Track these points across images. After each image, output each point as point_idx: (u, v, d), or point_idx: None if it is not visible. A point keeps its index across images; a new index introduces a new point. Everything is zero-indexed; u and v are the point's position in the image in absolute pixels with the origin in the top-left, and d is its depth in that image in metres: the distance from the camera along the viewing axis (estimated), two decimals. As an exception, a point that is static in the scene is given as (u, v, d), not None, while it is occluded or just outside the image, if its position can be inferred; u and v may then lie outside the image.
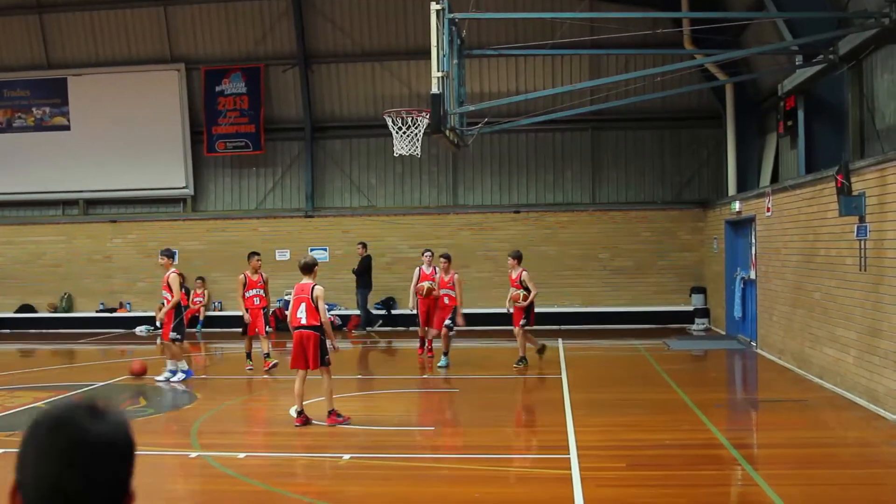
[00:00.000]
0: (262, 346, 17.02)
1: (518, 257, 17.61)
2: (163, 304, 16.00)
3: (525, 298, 17.13)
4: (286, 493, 8.68)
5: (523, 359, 17.16)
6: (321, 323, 11.81)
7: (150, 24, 27.15)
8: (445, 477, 9.37)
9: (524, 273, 17.36)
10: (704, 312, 24.44)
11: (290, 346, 12.68)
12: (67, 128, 28.03)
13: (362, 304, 24.40)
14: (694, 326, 24.08)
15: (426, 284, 17.47)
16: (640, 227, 25.71)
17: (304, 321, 11.81)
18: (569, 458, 9.57)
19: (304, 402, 11.78)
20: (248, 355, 17.37)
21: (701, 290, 24.77)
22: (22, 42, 27.94)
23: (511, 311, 17.59)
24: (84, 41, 27.64)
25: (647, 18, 22.03)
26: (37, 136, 28.13)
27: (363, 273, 24.24)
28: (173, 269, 16.07)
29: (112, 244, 27.84)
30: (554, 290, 25.73)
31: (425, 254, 18.52)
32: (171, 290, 15.77)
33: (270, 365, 16.67)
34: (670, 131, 26.10)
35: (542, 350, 17.75)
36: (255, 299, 17.34)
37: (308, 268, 12.21)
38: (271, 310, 18.09)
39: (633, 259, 25.63)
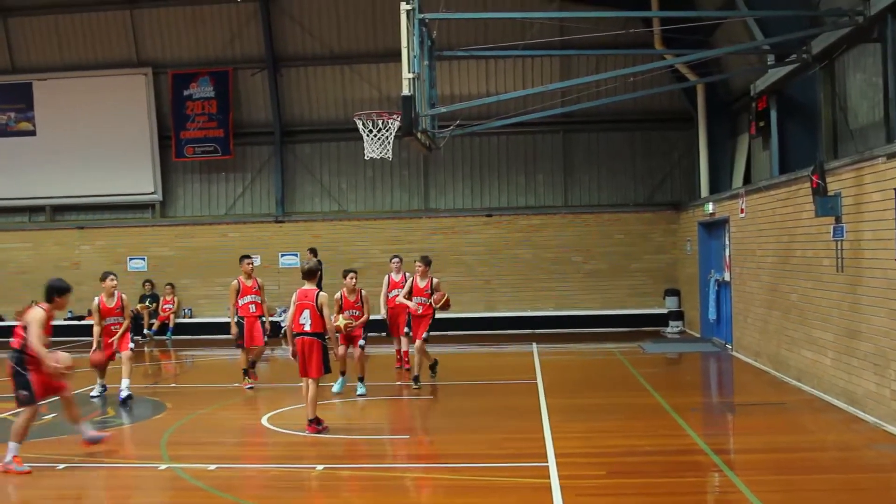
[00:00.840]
0: (242, 359, 15.83)
1: (428, 263, 16.04)
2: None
3: (437, 303, 15.38)
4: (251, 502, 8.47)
5: (417, 378, 15.35)
6: (325, 329, 11.75)
7: (116, 27, 26.81)
8: (418, 487, 9.19)
9: (434, 280, 15.97)
10: (679, 315, 24.37)
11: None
12: (33, 133, 27.65)
13: None
14: (668, 329, 24.00)
15: (341, 321, 14.05)
16: (614, 229, 25.62)
17: (307, 328, 11.72)
18: (547, 467, 9.40)
19: (276, 411, 11.58)
20: (246, 372, 15.81)
21: (675, 293, 24.68)
22: (-15, 46, 27.52)
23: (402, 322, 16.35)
24: (49, 45, 27.25)
25: (617, 18, 21.90)
26: (2, 141, 27.73)
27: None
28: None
29: (80, 251, 27.48)
30: (528, 294, 25.64)
31: (393, 260, 17.55)
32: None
33: (248, 386, 15.60)
34: (642, 133, 26.04)
35: (434, 366, 16.19)
36: (250, 307, 15.89)
37: (311, 273, 12.12)
38: (267, 319, 16.56)
39: (607, 262, 25.53)
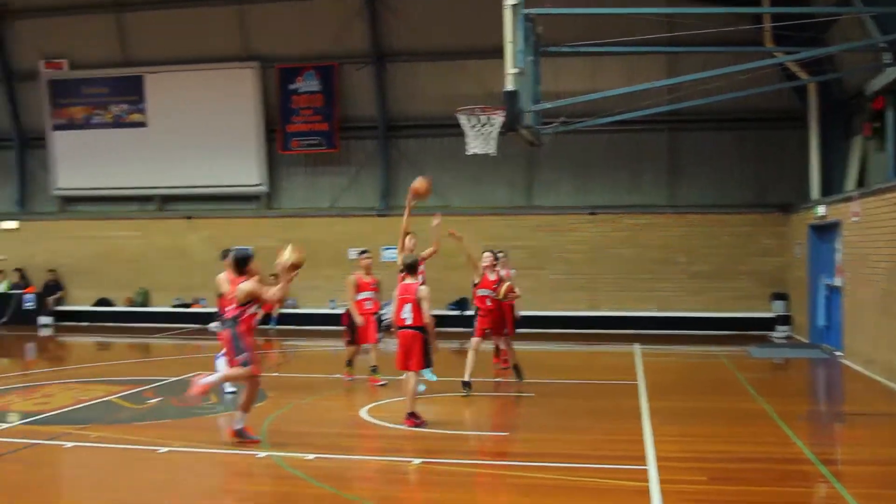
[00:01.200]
0: (370, 357, 15.48)
1: (497, 257, 15.53)
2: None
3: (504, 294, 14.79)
4: (353, 496, 8.47)
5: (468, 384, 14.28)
6: (425, 323, 11.77)
7: (225, 22, 27.27)
8: (515, 485, 9.07)
9: (503, 272, 15.62)
10: (786, 319, 23.82)
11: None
12: (144, 125, 28.31)
13: None
14: (775, 334, 23.48)
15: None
16: (720, 230, 25.15)
17: (409, 321, 11.74)
18: (646, 470, 9.21)
19: (375, 403, 11.60)
20: (350, 362, 15.63)
21: (782, 297, 24.13)
22: (100, 40, 28.27)
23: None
24: (160, 39, 27.84)
25: (726, 15, 21.46)
26: (115, 132, 28.47)
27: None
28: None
29: (187, 240, 28.05)
30: (630, 294, 25.33)
31: (485, 255, 16.22)
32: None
33: (380, 382, 15.04)
34: (750, 132, 25.49)
35: (466, 385, 14.34)
36: (366, 303, 15.52)
37: (412, 267, 12.12)
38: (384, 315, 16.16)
39: (712, 263, 25.07)
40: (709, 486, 8.83)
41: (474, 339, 14.77)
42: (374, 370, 15.27)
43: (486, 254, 15.35)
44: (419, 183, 14.07)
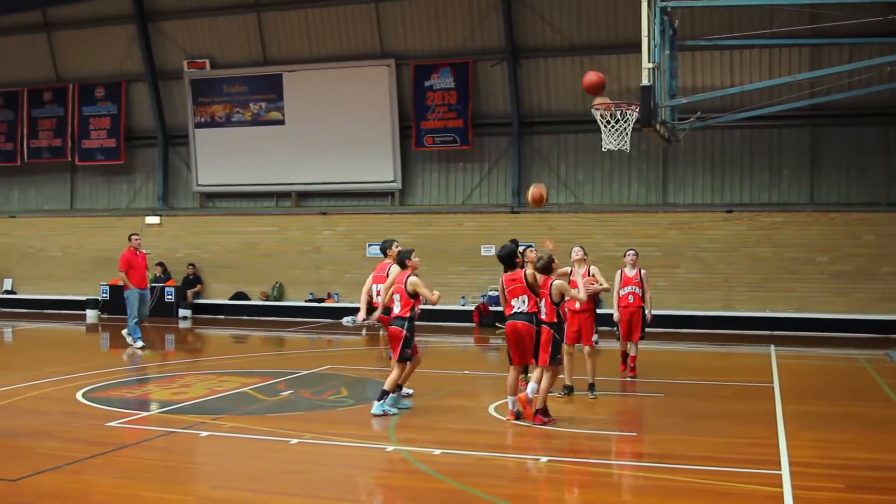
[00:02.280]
0: None
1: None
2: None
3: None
4: (479, 493, 8.44)
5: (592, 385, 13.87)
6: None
7: (362, 20, 27.64)
8: (643, 486, 8.92)
9: (592, 268, 14.21)
10: (932, 323, 22.88)
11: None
12: (282, 122, 28.89)
13: None
14: (920, 337, 22.61)
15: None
16: (863, 229, 24.32)
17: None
18: (780, 475, 8.95)
19: (504, 400, 11.58)
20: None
21: (928, 299, 23.20)
22: (241, 40, 28.99)
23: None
24: (299, 38, 28.39)
25: (874, 4, 20.68)
26: (253, 130, 29.14)
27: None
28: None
29: (322, 236, 28.53)
30: (767, 294, 24.72)
31: (628, 254, 16.17)
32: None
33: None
34: (897, 127, 24.56)
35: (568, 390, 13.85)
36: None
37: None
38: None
39: (854, 263, 24.27)
40: (845, 495, 8.52)
41: (565, 345, 13.02)
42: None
43: (576, 248, 14.36)
44: (533, 193, 13.45)
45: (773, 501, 8.09)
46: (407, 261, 12.26)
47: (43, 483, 8.44)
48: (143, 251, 20.29)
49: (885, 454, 10.16)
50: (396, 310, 12.16)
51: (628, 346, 15.80)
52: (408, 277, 12.12)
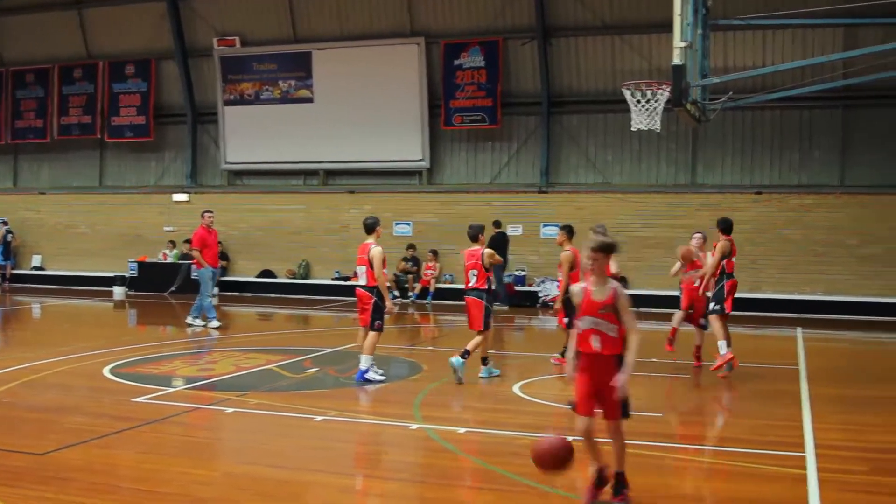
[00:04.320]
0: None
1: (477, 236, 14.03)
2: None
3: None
4: (503, 471, 8.44)
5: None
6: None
7: (392, -2, 27.54)
8: (667, 467, 8.88)
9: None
10: (961, 307, 22.66)
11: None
12: (311, 100, 28.90)
13: (498, 280, 23.38)
14: (949, 321, 22.39)
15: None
16: (893, 212, 24.09)
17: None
18: (804, 457, 8.90)
19: (529, 380, 11.53)
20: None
21: (958, 283, 22.96)
22: (271, 18, 29.00)
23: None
24: (329, 16, 28.36)
25: (910, -15, 20.44)
26: (282, 108, 29.17)
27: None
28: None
29: (349, 214, 28.54)
30: (795, 277, 24.55)
31: (695, 236, 15.41)
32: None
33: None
34: (931, 110, 24.26)
35: None
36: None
37: (474, 235, 13.73)
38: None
39: (885, 247, 24.04)
40: (870, 477, 8.46)
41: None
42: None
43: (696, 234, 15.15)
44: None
45: (799, 483, 8.05)
46: (480, 236, 13.65)
47: (69, 457, 8.50)
48: (215, 228, 19.94)
49: (912, 438, 10.09)
50: (473, 282, 13.43)
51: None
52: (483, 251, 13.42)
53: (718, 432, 10.29)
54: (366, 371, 12.80)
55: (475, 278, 13.31)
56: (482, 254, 13.28)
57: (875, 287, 24.08)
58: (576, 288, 7.49)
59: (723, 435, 10.13)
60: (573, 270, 14.02)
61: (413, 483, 8.38)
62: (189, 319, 19.64)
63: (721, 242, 13.97)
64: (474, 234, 13.71)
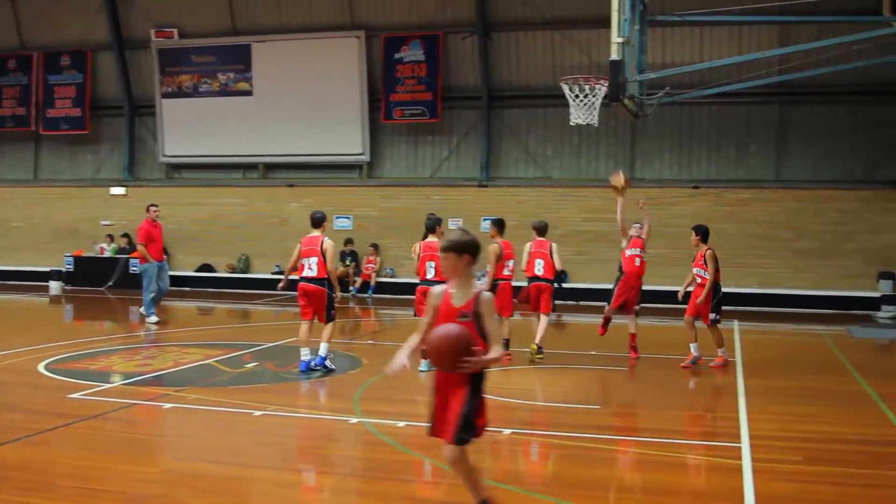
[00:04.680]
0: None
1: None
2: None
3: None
4: (442, 465, 8.47)
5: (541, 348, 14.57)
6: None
7: (332, -10, 27.43)
8: (604, 459, 8.97)
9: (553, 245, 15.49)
10: (893, 299, 23.10)
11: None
12: (250, 93, 28.72)
13: None
14: (881, 314, 22.82)
15: None
16: (827, 206, 24.54)
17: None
18: (740, 448, 9.03)
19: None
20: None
21: (890, 276, 23.46)
22: (210, 9, 28.76)
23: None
24: (268, 8, 28.20)
25: (843, -17, 20.80)
26: (221, 101, 28.95)
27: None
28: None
29: (289, 208, 28.42)
30: (731, 270, 24.78)
31: (634, 226, 16.02)
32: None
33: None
34: (865, 106, 24.77)
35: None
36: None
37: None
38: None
39: (819, 240, 24.49)
40: (803, 467, 8.62)
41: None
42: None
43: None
44: (616, 180, 14.80)
45: (734, 474, 8.16)
46: (438, 227, 13.70)
47: (4, 455, 8.37)
48: (160, 222, 19.65)
49: (844, 427, 10.27)
50: (431, 274, 13.36)
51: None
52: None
53: (655, 424, 10.39)
54: (325, 358, 13.12)
55: (433, 270, 13.33)
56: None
57: (810, 280, 24.50)
58: (437, 289, 6.51)
59: (659, 427, 10.23)
60: (499, 262, 14.30)
61: (353, 477, 8.39)
62: (144, 313, 19.26)
63: (708, 251, 14.35)
64: (432, 226, 13.72)
